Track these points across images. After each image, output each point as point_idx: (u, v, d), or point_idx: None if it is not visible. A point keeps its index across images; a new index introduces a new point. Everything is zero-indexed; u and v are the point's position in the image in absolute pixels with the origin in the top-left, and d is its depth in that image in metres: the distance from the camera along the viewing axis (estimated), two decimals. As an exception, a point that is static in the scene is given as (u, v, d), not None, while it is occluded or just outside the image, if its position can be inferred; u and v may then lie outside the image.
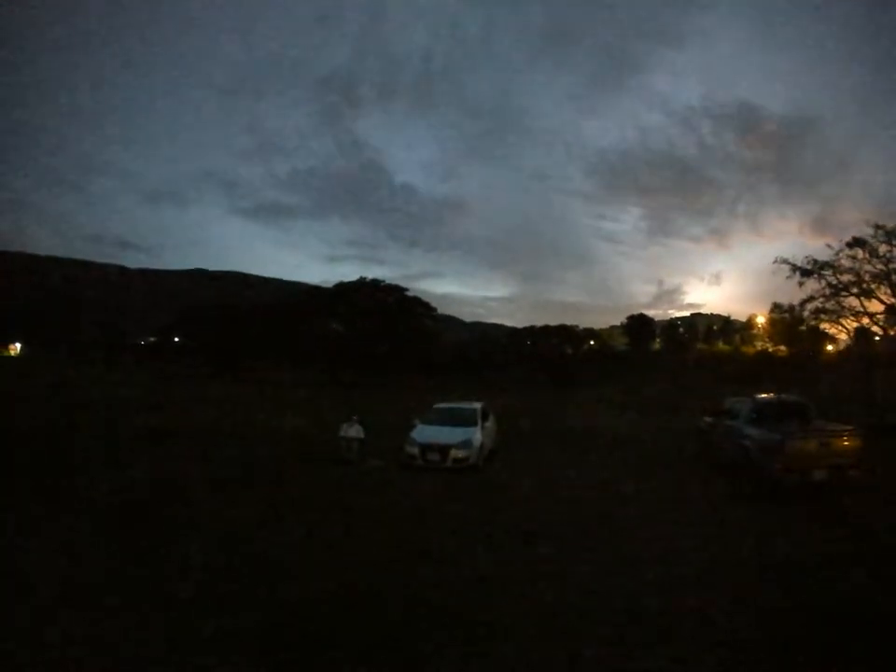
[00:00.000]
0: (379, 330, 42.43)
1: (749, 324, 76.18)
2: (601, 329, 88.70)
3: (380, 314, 42.20)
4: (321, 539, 6.68)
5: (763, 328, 69.45)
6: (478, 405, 13.93)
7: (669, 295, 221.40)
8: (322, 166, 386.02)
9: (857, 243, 21.65)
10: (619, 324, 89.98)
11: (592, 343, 77.21)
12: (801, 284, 24.27)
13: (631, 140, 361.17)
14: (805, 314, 25.33)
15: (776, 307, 71.83)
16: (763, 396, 11.36)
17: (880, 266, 21.64)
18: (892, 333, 35.84)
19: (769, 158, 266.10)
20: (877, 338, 59.13)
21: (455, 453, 11.51)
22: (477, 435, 12.17)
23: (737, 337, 77.95)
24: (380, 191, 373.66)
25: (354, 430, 12.47)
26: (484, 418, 13.35)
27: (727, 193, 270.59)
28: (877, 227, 21.16)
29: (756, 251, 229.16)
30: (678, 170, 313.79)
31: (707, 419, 12.64)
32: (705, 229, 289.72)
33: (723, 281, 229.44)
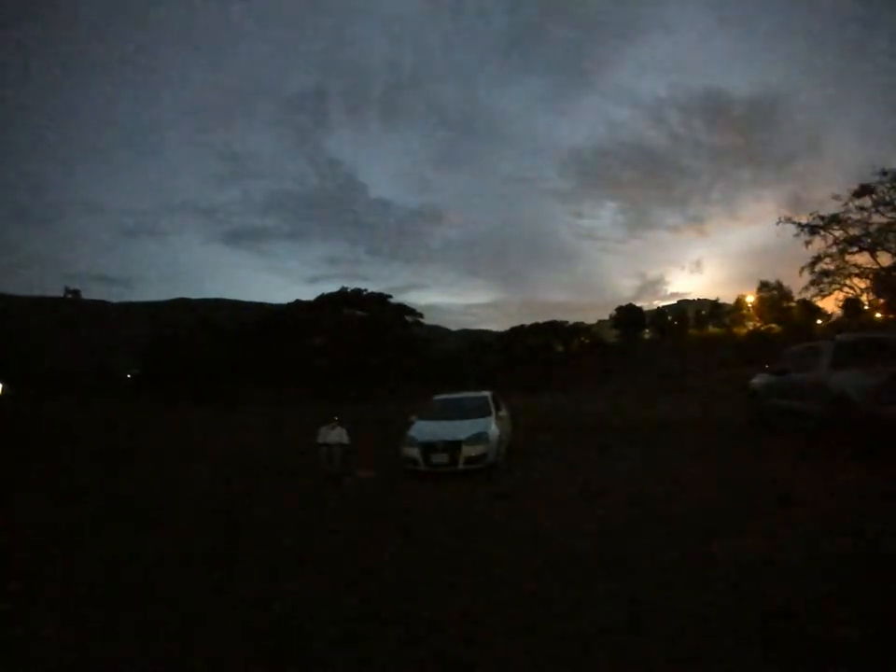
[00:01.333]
0: (366, 341, 41.26)
1: (738, 305, 76.12)
2: (589, 325, 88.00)
3: (365, 323, 41.12)
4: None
5: (753, 306, 69.62)
6: (487, 393, 11.70)
7: (653, 286, 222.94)
8: (297, 187, 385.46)
9: (864, 190, 20.76)
10: (608, 317, 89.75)
11: (583, 338, 76.53)
12: (808, 243, 23.38)
13: (602, 136, 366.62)
14: (812, 277, 24.36)
15: (763, 285, 71.55)
16: (845, 334, 9.48)
17: (890, 215, 20.72)
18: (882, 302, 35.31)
19: (739, 141, 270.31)
20: (866, 307, 58.96)
21: (467, 450, 9.27)
22: (493, 427, 9.88)
23: (727, 319, 77.66)
24: (356, 207, 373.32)
25: (336, 434, 10.13)
26: (497, 408, 11.14)
27: (701, 180, 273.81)
28: (884, 172, 20.21)
29: (734, 235, 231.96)
30: (650, 162, 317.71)
31: (761, 379, 10.75)
32: (682, 218, 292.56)
33: (705, 268, 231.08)
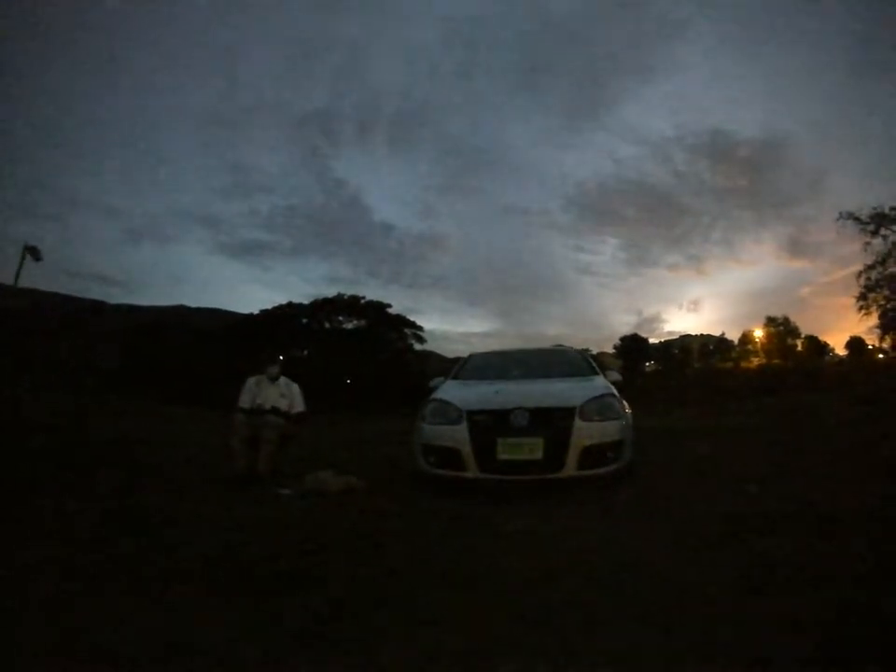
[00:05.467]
0: (362, 350, 39.24)
1: (744, 339, 74.50)
2: (594, 355, 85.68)
3: (362, 332, 39.27)
4: None
5: (761, 341, 68.03)
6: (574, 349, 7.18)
7: (649, 324, 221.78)
8: (302, 204, 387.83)
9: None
10: (612, 349, 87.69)
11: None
12: (867, 245, 21.48)
13: (606, 172, 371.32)
14: (866, 284, 22.15)
15: (770, 321, 70.56)
16: None
17: None
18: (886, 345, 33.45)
19: (742, 183, 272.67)
20: (871, 347, 57.33)
21: (586, 431, 4.39)
22: (615, 391, 5.09)
23: (734, 353, 76.08)
24: (359, 229, 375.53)
25: (274, 392, 5.49)
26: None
27: (703, 220, 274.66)
28: None
29: (733, 276, 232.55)
30: (653, 199, 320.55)
31: None
32: (682, 256, 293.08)
33: (702, 308, 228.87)
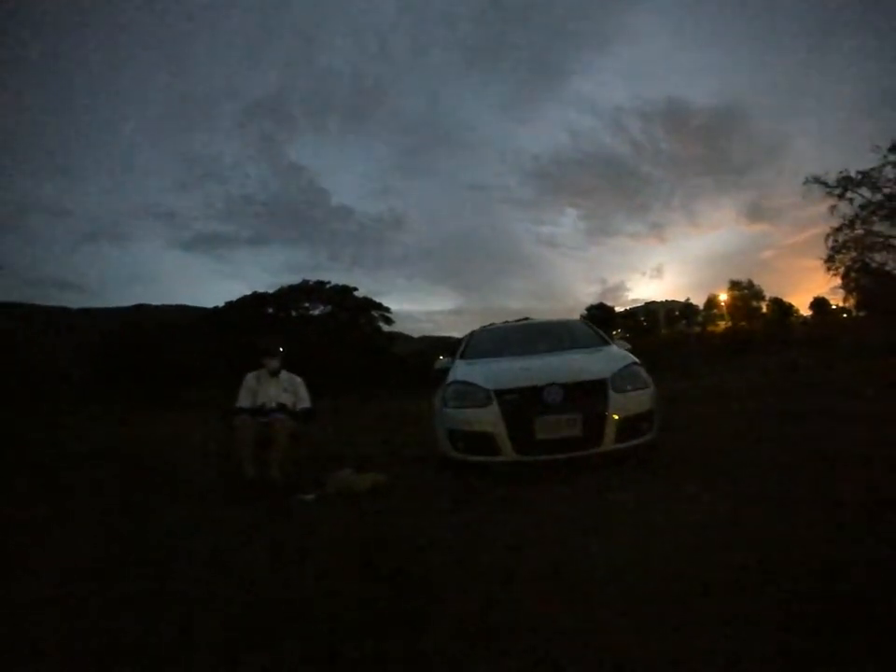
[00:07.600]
0: (330, 337, 38.94)
1: (710, 304, 75.90)
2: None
3: (329, 318, 38.98)
4: None
5: (727, 304, 69.50)
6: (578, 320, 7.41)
7: (613, 292, 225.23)
8: (258, 192, 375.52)
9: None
10: (578, 317, 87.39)
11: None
12: (833, 208, 21.71)
13: (563, 144, 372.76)
14: (833, 246, 22.52)
15: (734, 284, 71.88)
16: None
17: None
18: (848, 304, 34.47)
19: (700, 150, 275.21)
20: (833, 307, 58.90)
21: (622, 404, 4.32)
22: (637, 360, 5.01)
23: (701, 318, 77.64)
24: (318, 213, 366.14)
25: (276, 389, 5.03)
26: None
27: (662, 188, 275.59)
28: None
29: (694, 242, 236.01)
30: (612, 169, 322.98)
31: None
32: (643, 224, 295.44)
33: (665, 274, 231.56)
